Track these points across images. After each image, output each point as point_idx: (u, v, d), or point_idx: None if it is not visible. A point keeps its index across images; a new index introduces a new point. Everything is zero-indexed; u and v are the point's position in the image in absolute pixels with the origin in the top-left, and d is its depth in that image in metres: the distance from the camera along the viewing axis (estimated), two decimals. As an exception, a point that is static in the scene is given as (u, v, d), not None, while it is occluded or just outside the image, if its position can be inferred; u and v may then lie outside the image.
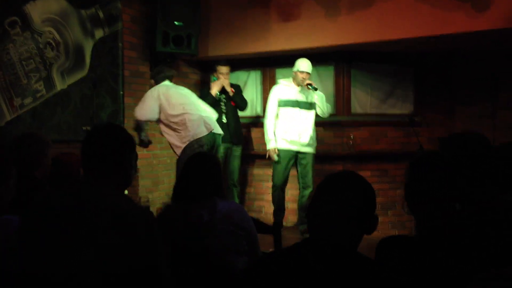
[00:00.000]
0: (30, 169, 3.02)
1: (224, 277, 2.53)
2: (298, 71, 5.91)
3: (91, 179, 2.07)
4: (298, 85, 5.95)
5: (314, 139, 6.05)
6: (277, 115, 6.00)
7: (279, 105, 5.99)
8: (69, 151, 5.14)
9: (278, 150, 5.93)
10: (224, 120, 6.35)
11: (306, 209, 1.84)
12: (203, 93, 6.38)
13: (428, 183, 1.98)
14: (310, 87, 5.87)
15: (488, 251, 1.87)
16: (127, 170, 2.14)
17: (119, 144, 2.12)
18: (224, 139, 6.27)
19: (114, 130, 2.17)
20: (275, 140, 5.95)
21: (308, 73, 5.91)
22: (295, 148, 5.93)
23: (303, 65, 5.92)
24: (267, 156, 6.02)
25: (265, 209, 6.88)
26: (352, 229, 1.74)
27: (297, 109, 5.95)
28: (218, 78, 6.35)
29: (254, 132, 7.05)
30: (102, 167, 2.07)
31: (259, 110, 7.14)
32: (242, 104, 6.51)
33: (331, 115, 6.38)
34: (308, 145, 5.96)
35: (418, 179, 2.01)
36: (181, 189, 2.78)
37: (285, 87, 6.02)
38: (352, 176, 1.83)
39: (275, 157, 5.93)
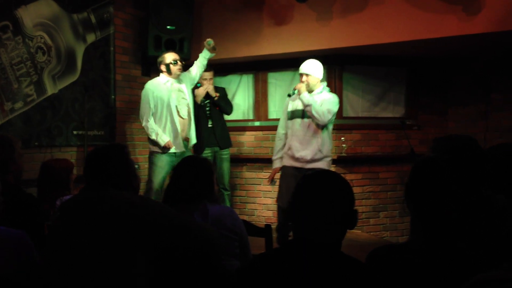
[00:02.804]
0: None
1: (216, 279, 2.52)
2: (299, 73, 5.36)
3: (101, 187, 2.27)
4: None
5: (326, 151, 5.25)
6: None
7: (288, 118, 5.40)
8: (61, 157, 5.17)
9: (282, 168, 5.38)
10: (210, 124, 6.30)
11: (287, 210, 1.86)
12: None
13: (430, 185, 1.98)
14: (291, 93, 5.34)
15: (484, 253, 1.87)
16: (131, 180, 2.39)
17: (121, 162, 2.37)
18: (210, 143, 6.26)
19: (115, 149, 2.42)
20: (280, 160, 5.42)
21: (306, 74, 5.25)
22: (298, 165, 5.24)
23: (302, 66, 5.30)
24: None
25: (257, 212, 6.89)
26: (334, 227, 1.77)
27: (298, 120, 5.29)
28: (201, 84, 6.22)
29: (246, 136, 7.06)
30: (110, 182, 2.29)
31: (250, 113, 7.14)
32: (227, 108, 6.40)
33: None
34: (314, 160, 5.20)
35: (420, 181, 2.01)
36: (172, 193, 2.78)
37: (294, 97, 5.37)
38: (328, 174, 1.87)
39: (272, 181, 5.55)
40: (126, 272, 2.07)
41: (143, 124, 5.54)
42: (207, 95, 6.28)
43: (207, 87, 6.23)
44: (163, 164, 5.57)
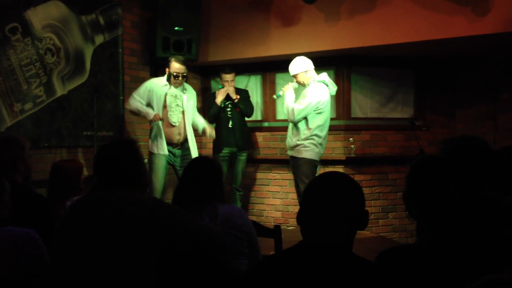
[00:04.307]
0: (7, 174, 2.87)
1: (225, 279, 2.53)
2: None
3: (112, 186, 2.27)
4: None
5: (296, 138, 5.56)
6: None
7: None
8: (69, 157, 5.19)
9: None
10: (230, 125, 6.37)
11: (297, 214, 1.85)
12: (209, 101, 6.40)
13: (427, 186, 1.95)
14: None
15: (490, 255, 1.85)
16: (142, 176, 2.40)
17: (134, 157, 2.38)
18: (229, 143, 6.31)
19: (125, 145, 2.42)
20: None
21: (293, 76, 5.69)
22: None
23: None
24: None
25: (266, 213, 6.88)
26: (344, 228, 1.76)
27: None
28: (223, 86, 6.35)
29: (255, 137, 7.06)
30: (120, 178, 2.29)
31: (259, 114, 7.14)
32: (247, 110, 6.50)
33: (331, 119, 6.40)
34: (290, 148, 5.67)
35: (417, 183, 1.99)
36: (181, 193, 2.79)
37: None
38: (337, 176, 1.85)
39: None
40: (130, 271, 2.09)
41: (127, 106, 5.76)
42: (228, 97, 6.34)
43: (228, 89, 6.32)
44: (162, 162, 5.63)
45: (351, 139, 6.50)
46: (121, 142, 2.49)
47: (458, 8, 5.37)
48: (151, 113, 5.56)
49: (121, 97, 6.14)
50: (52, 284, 2.18)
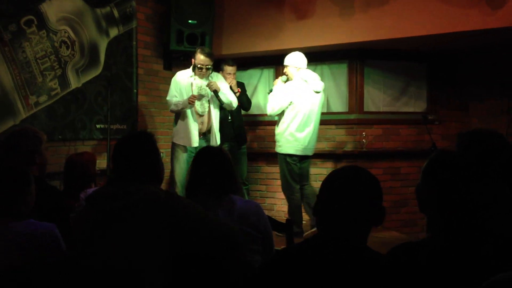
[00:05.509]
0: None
1: (239, 275, 2.53)
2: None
3: (127, 180, 2.27)
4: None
5: (277, 136, 5.79)
6: None
7: None
8: (83, 150, 5.24)
9: None
10: (230, 119, 6.25)
11: (313, 207, 1.83)
12: None
13: (442, 181, 1.94)
14: None
15: (503, 251, 1.84)
16: (158, 170, 2.39)
17: (150, 150, 2.38)
18: (228, 137, 6.21)
19: (141, 138, 2.41)
20: None
21: (285, 65, 5.84)
22: None
23: None
24: None
25: (277, 207, 6.89)
26: (361, 223, 1.74)
27: None
28: (225, 78, 6.12)
29: (266, 130, 7.06)
30: (135, 171, 2.28)
31: (272, 108, 7.14)
32: (247, 104, 6.43)
33: (343, 113, 6.38)
34: None
35: (433, 177, 1.97)
36: (192, 185, 2.75)
37: None
38: (356, 170, 1.83)
39: None
40: (144, 265, 2.09)
41: (171, 111, 5.70)
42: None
43: (230, 82, 6.15)
44: (184, 156, 5.62)
45: (364, 133, 6.48)
46: (137, 136, 2.48)
47: (472, 2, 5.33)
48: (184, 100, 5.51)
49: (135, 90, 6.18)
50: (67, 276, 2.20)
